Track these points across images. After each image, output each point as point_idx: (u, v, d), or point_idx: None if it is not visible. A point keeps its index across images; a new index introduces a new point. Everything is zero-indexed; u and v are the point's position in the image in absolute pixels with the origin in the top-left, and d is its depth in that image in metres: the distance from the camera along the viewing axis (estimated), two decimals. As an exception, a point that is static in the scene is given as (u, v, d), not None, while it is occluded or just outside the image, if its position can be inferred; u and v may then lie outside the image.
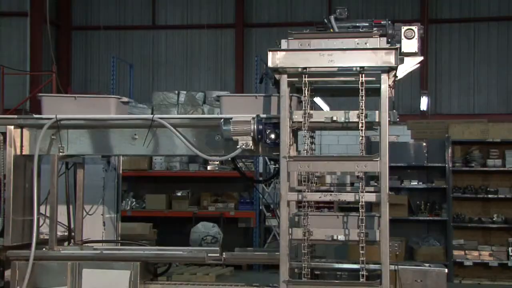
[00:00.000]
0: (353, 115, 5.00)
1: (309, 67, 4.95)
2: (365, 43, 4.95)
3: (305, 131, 5.03)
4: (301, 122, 4.99)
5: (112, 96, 5.84)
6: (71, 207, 6.19)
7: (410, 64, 5.21)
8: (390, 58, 4.84)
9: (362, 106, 4.89)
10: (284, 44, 5.03)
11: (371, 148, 11.00)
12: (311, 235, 4.94)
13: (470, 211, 12.73)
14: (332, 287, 4.97)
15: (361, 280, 4.84)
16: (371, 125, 5.05)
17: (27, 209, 5.67)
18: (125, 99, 5.89)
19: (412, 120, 14.73)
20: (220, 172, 14.02)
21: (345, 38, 4.97)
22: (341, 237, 4.93)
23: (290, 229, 4.95)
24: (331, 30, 5.16)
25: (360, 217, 4.85)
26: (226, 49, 22.11)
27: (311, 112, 4.99)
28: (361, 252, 4.85)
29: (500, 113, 19.79)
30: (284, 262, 4.93)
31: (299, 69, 4.97)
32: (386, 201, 4.85)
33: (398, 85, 5.80)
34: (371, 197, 4.95)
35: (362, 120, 4.90)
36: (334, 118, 5.03)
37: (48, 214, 5.79)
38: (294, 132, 5.31)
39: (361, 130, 4.91)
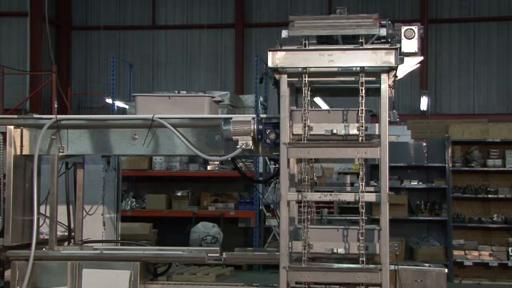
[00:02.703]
0: (353, 128, 5.00)
1: (309, 67, 4.95)
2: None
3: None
4: (300, 134, 5.00)
5: (206, 95, 5.81)
6: (71, 207, 6.19)
7: (410, 64, 5.20)
8: (390, 58, 4.84)
9: (362, 107, 4.89)
10: (284, 33, 5.02)
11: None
12: (311, 248, 4.95)
13: (470, 211, 12.73)
14: (332, 272, 4.96)
15: (361, 266, 4.87)
16: (371, 138, 5.05)
17: (27, 209, 5.66)
18: (217, 98, 5.88)
19: (412, 120, 14.74)
20: (220, 172, 14.02)
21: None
22: (341, 250, 4.95)
23: (290, 243, 4.96)
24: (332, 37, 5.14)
25: (360, 231, 4.84)
26: (226, 49, 22.13)
27: (311, 124, 5.00)
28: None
29: (500, 113, 19.81)
30: (284, 262, 4.93)
31: (299, 69, 4.97)
32: (386, 201, 4.85)
33: (398, 85, 5.80)
34: (371, 197, 4.95)
35: (362, 133, 4.92)
36: (334, 131, 5.03)
37: (48, 214, 5.79)
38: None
39: (360, 209, 4.90)
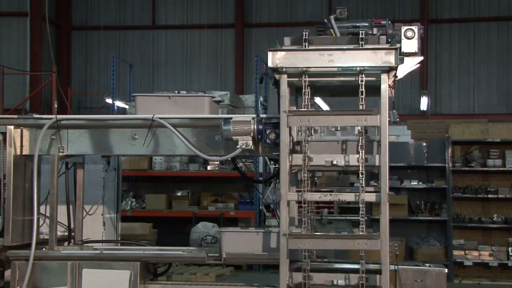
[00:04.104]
0: (353, 159, 5.00)
1: (309, 67, 4.95)
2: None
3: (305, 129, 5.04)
4: (300, 165, 5.00)
5: (206, 95, 5.82)
6: (71, 207, 6.19)
7: (410, 64, 5.20)
8: (390, 58, 4.84)
9: (362, 107, 4.91)
10: (286, 41, 5.04)
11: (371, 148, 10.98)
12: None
13: (470, 211, 12.73)
14: (332, 240, 4.97)
15: (360, 233, 4.89)
16: (371, 169, 5.06)
17: (27, 209, 5.66)
18: (217, 98, 5.87)
19: (412, 120, 14.74)
20: (220, 172, 14.02)
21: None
22: (341, 282, 5.01)
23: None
24: (331, 30, 5.14)
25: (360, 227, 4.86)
26: (226, 49, 22.12)
27: (311, 155, 5.00)
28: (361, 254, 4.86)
29: (500, 113, 19.80)
30: (284, 262, 4.93)
31: (299, 69, 4.97)
32: (386, 201, 4.85)
33: (398, 85, 5.80)
34: (371, 197, 4.95)
35: (362, 165, 4.93)
36: (334, 162, 5.04)
37: (48, 214, 5.79)
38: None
39: (361, 174, 4.92)
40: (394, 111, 5.10)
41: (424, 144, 12.73)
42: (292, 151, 5.05)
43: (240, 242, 5.46)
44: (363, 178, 4.92)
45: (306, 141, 4.99)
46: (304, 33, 4.95)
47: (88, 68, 22.77)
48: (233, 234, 5.58)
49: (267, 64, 4.98)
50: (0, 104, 16.71)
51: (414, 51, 5.10)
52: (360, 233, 4.92)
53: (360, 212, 4.89)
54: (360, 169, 4.91)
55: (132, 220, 12.98)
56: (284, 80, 5.00)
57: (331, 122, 4.98)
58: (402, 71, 5.24)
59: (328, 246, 5.00)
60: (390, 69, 4.91)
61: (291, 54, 4.93)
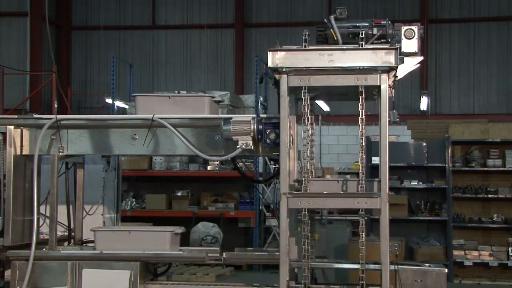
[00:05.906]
0: (352, 186, 5.01)
1: (309, 67, 4.95)
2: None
3: (306, 130, 5.04)
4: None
5: (206, 95, 5.83)
6: (71, 207, 6.19)
7: (410, 64, 5.20)
8: (390, 58, 4.84)
9: (362, 113, 4.91)
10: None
11: (371, 148, 11.04)
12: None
13: (470, 211, 12.73)
14: (332, 199, 4.98)
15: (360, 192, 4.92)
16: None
17: (27, 209, 5.67)
18: (217, 98, 5.87)
19: (412, 120, 14.73)
20: (220, 172, 14.01)
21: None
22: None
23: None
24: (331, 30, 5.14)
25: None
26: (226, 49, 22.11)
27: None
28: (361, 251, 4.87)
29: (500, 113, 19.79)
30: (284, 262, 4.94)
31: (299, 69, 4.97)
32: (386, 201, 4.85)
33: (398, 85, 5.80)
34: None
35: (361, 184, 4.93)
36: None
37: (48, 214, 5.79)
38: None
39: (361, 211, 4.92)
40: (394, 111, 5.10)
41: (424, 144, 12.72)
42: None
43: (113, 241, 5.60)
44: (363, 176, 4.93)
45: (307, 180, 4.98)
46: (304, 33, 4.95)
47: (88, 68, 22.76)
48: (106, 233, 5.72)
49: (267, 64, 4.99)
50: (0, 104, 16.72)
51: (414, 51, 5.11)
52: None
53: (360, 212, 4.89)
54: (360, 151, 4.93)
55: (132, 220, 12.98)
56: (284, 80, 5.00)
57: (331, 82, 4.97)
58: (402, 71, 5.24)
59: (328, 205, 5.04)
60: (390, 69, 4.91)
61: (291, 54, 4.94)
